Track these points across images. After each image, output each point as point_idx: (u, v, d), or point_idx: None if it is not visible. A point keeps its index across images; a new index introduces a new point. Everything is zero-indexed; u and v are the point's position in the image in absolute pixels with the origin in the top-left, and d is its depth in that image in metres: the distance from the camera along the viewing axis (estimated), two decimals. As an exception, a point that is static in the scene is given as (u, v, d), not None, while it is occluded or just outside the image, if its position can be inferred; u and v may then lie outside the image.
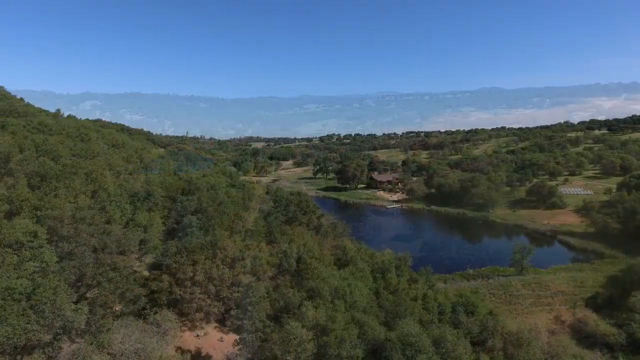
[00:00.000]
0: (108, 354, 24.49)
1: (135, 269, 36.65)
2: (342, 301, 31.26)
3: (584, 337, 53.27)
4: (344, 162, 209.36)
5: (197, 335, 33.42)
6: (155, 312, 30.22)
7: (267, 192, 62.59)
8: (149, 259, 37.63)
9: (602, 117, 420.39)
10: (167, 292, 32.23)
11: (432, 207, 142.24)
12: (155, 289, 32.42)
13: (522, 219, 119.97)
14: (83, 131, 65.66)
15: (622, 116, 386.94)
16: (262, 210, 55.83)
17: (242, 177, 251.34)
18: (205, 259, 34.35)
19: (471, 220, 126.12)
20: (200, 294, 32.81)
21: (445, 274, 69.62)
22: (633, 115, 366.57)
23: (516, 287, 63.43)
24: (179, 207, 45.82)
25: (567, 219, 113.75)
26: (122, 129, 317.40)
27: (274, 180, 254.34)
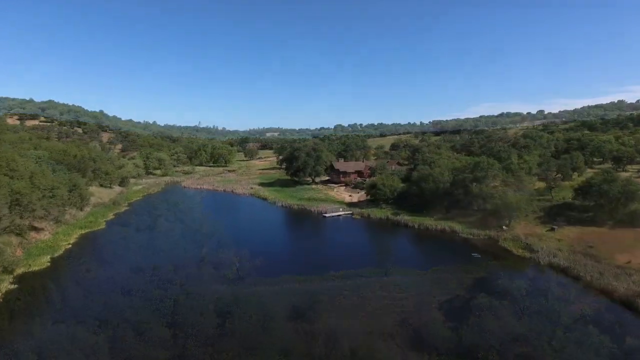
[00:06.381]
0: None
1: None
2: None
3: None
4: (292, 146, 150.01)
5: None
6: None
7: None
8: None
9: None
10: None
11: (401, 216, 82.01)
12: None
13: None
14: None
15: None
16: None
17: (187, 168, 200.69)
18: None
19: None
20: None
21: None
22: None
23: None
24: None
25: None
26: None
27: (230, 171, 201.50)
